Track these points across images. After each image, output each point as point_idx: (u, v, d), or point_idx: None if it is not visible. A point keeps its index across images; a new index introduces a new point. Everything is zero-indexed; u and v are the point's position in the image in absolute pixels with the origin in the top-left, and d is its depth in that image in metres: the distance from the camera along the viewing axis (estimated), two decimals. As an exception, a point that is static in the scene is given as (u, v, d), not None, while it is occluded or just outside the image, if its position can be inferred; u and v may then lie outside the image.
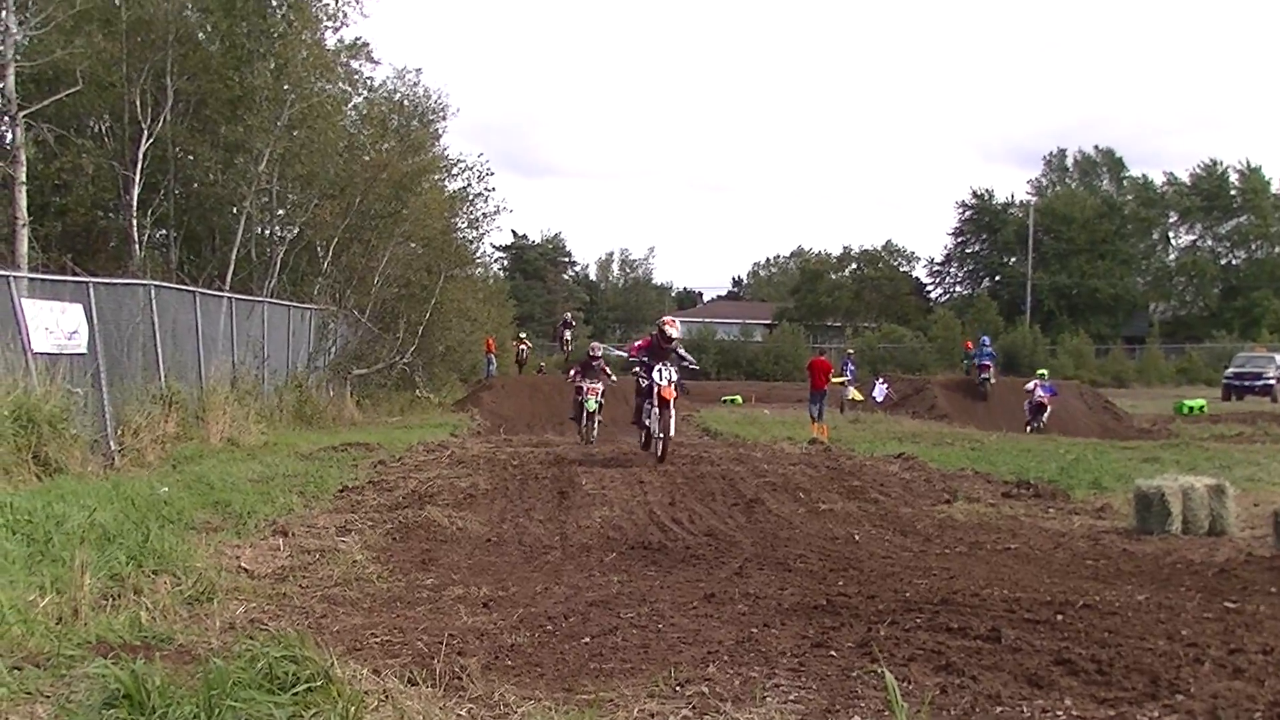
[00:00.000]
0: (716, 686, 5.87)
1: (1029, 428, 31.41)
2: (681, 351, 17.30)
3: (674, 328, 17.41)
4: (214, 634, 6.97)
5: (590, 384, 22.54)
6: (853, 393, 35.17)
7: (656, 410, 16.46)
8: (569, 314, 56.94)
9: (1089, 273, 78.48)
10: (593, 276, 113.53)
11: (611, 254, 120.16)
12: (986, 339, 41.65)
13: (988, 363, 38.83)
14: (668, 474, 15.84)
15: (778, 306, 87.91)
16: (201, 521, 10.98)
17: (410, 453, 18.72)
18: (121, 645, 6.51)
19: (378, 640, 6.90)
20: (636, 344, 17.61)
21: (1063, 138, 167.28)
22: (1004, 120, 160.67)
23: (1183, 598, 8.27)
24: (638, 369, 17.21)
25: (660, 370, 16.58)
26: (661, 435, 16.43)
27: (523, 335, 50.34)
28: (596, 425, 22.59)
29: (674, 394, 16.59)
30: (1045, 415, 31.69)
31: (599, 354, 23.75)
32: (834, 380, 29.12)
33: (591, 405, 22.44)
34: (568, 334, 50.95)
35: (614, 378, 23.90)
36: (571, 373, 24.06)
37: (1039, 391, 32.43)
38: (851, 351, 44.28)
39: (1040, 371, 35.85)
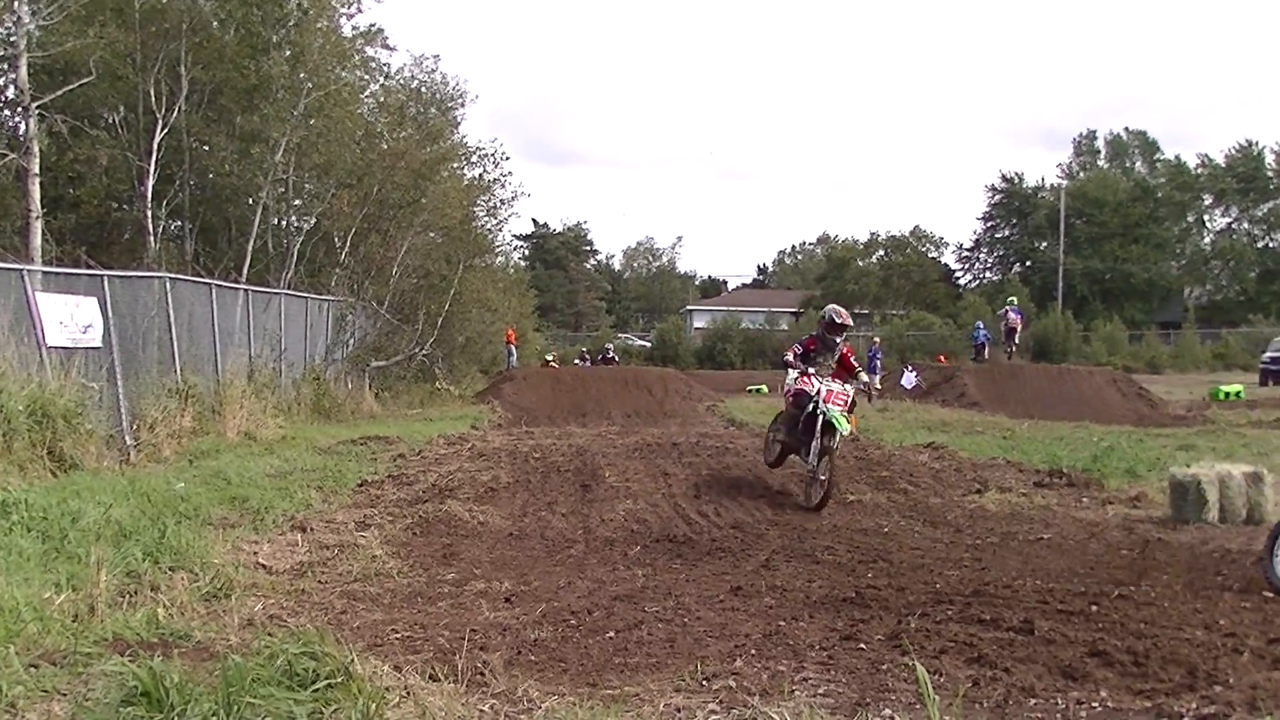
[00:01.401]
0: (744, 680, 5.83)
1: (1006, 355, 36.92)
2: None
3: None
4: (232, 630, 6.95)
5: (824, 380, 13.01)
6: (876, 382, 35.42)
7: None
8: (609, 346, 54.62)
9: (1122, 257, 77.49)
10: (617, 266, 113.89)
11: (640, 243, 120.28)
12: (980, 323, 45.17)
13: (983, 342, 41.88)
14: (692, 466, 15.75)
15: (804, 294, 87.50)
16: (219, 517, 10.92)
17: (430, 446, 18.64)
18: (139, 642, 6.49)
19: (398, 636, 6.86)
20: None
21: (1093, 121, 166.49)
22: (1033, 103, 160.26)
23: (1220, 587, 8.16)
24: None
25: None
26: None
27: (549, 359, 49.47)
28: (830, 460, 12.60)
29: None
30: (1017, 338, 34.47)
31: (849, 322, 13.79)
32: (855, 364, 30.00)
33: (840, 421, 12.59)
34: None
35: (877, 374, 13.41)
36: (792, 355, 13.54)
37: (1010, 315, 36.59)
38: (878, 340, 44.40)
39: (1010, 298, 37.22)
